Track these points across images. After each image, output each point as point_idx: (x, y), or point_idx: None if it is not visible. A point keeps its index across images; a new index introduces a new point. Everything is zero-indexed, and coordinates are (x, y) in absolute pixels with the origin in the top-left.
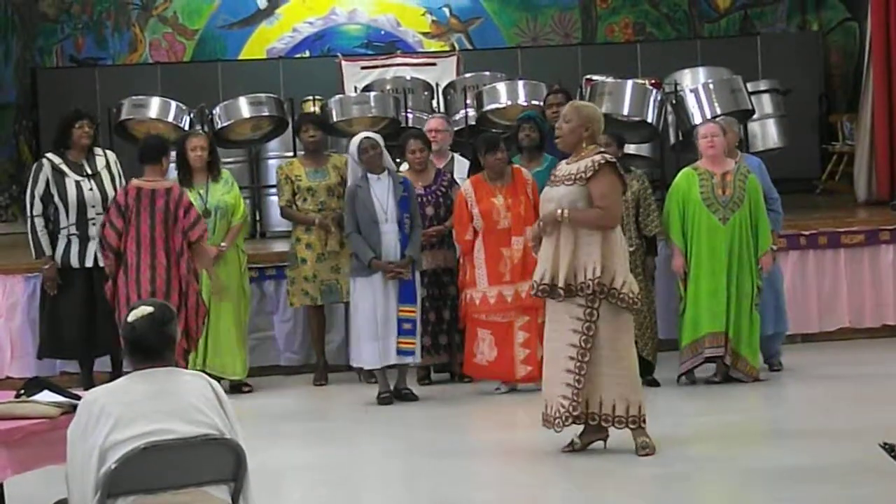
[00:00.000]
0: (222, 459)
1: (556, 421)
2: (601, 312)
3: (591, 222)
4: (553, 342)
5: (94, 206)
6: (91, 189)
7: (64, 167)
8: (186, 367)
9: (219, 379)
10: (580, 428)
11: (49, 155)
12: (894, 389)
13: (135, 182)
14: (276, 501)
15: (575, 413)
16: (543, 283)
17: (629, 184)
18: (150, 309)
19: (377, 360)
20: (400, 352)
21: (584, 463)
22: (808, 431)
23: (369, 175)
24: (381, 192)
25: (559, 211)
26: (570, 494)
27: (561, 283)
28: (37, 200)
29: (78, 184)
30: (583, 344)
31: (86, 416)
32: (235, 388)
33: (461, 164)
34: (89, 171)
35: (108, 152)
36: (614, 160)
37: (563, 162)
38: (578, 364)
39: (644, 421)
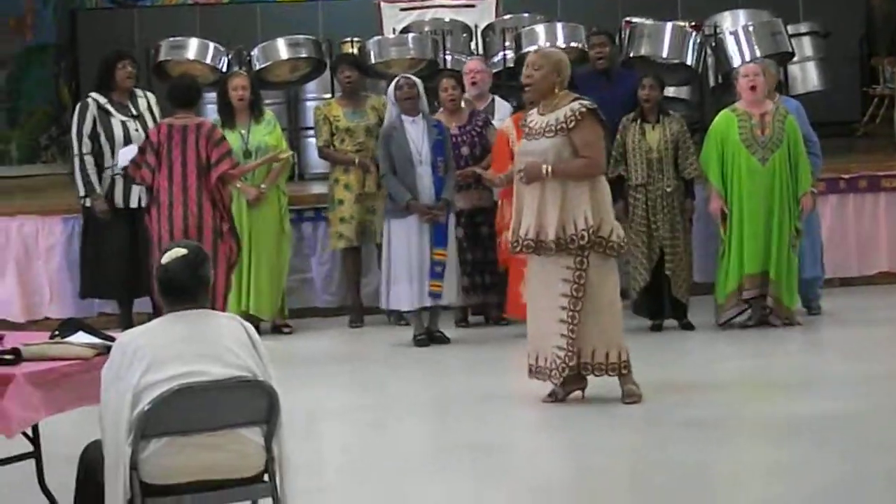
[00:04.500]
0: (255, 402)
1: (553, 373)
2: (590, 261)
3: (577, 173)
4: (541, 295)
5: None
6: (137, 130)
7: (109, 107)
8: (226, 308)
9: (258, 320)
10: None
11: (94, 94)
12: None
13: (166, 120)
14: (309, 443)
15: (571, 363)
16: (528, 239)
17: (669, 125)
18: (183, 251)
19: (413, 301)
20: (431, 294)
21: (605, 409)
22: (845, 377)
23: (404, 117)
24: (416, 135)
25: (544, 167)
26: (605, 440)
27: (552, 237)
28: (85, 139)
29: (124, 124)
30: (575, 293)
31: (119, 358)
32: (276, 329)
33: (501, 106)
34: (134, 112)
35: (149, 94)
36: (594, 106)
37: (534, 112)
38: (572, 314)
39: (629, 367)
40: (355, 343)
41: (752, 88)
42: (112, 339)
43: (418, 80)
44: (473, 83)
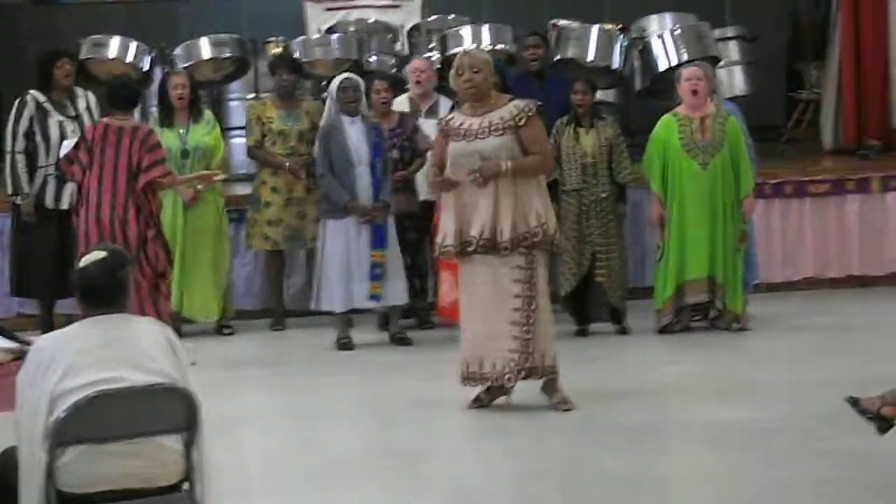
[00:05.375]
0: (175, 408)
1: (508, 376)
2: (538, 260)
3: (535, 169)
4: (488, 297)
5: None
6: (74, 131)
7: (48, 106)
8: (168, 310)
9: (196, 321)
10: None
11: (33, 92)
12: (858, 341)
13: (103, 119)
14: (233, 449)
15: (527, 365)
16: (484, 239)
17: (603, 130)
18: (102, 253)
19: (345, 303)
20: (370, 297)
21: (535, 416)
22: (776, 383)
23: (343, 117)
24: (355, 135)
25: (504, 165)
26: (535, 447)
27: (507, 236)
28: (20, 137)
29: (61, 124)
30: (529, 293)
31: (35, 363)
32: (218, 330)
33: (447, 105)
34: (72, 113)
35: (89, 94)
36: (537, 104)
37: (457, 114)
38: (526, 314)
39: (557, 372)
40: (279, 346)
41: (694, 92)
42: (29, 344)
43: (361, 81)
44: (418, 82)
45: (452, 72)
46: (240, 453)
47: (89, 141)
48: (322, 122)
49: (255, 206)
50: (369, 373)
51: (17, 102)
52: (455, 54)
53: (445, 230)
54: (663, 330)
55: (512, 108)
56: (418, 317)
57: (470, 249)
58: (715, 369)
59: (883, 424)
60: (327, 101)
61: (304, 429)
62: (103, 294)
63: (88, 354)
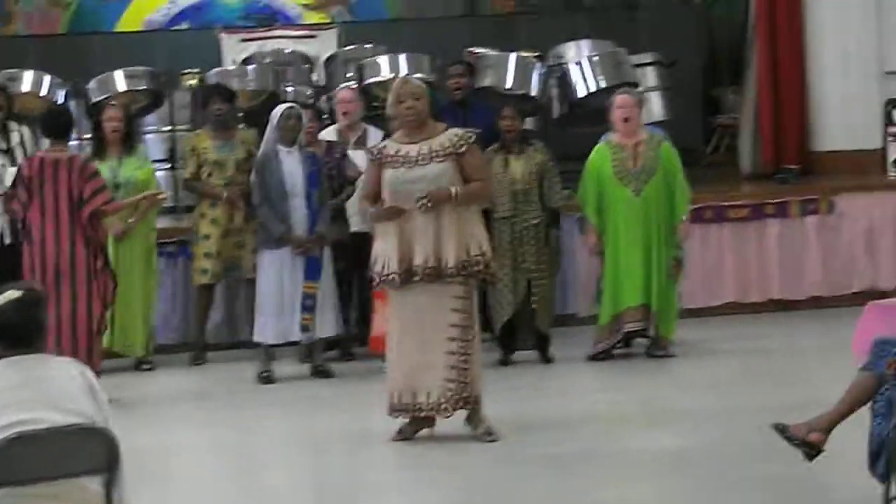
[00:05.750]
0: (95, 449)
1: (444, 406)
2: (473, 288)
3: (478, 196)
4: (424, 326)
5: (3, 184)
6: (4, 165)
7: None
8: (101, 346)
9: (125, 356)
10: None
11: None
12: (782, 366)
13: (39, 153)
14: (159, 486)
15: (464, 395)
16: (429, 267)
17: (532, 155)
18: (18, 293)
19: (279, 335)
20: (301, 328)
21: (460, 448)
22: (696, 411)
23: (279, 147)
24: (291, 165)
25: (453, 190)
26: (459, 479)
27: (452, 264)
28: None
29: None
30: (466, 322)
31: None
32: (137, 366)
33: (375, 136)
34: (3, 147)
35: (24, 128)
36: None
37: (395, 141)
38: (464, 344)
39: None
40: (201, 381)
41: (626, 120)
42: None
43: (302, 112)
44: (345, 113)
45: (392, 99)
46: (164, 491)
47: (26, 177)
48: (260, 152)
49: (194, 240)
50: (293, 406)
51: None
52: (373, 83)
53: (387, 258)
54: (595, 357)
55: (451, 135)
56: (341, 348)
57: (416, 279)
58: (641, 397)
59: (811, 451)
60: (267, 130)
61: (229, 465)
62: (19, 334)
63: (6, 396)
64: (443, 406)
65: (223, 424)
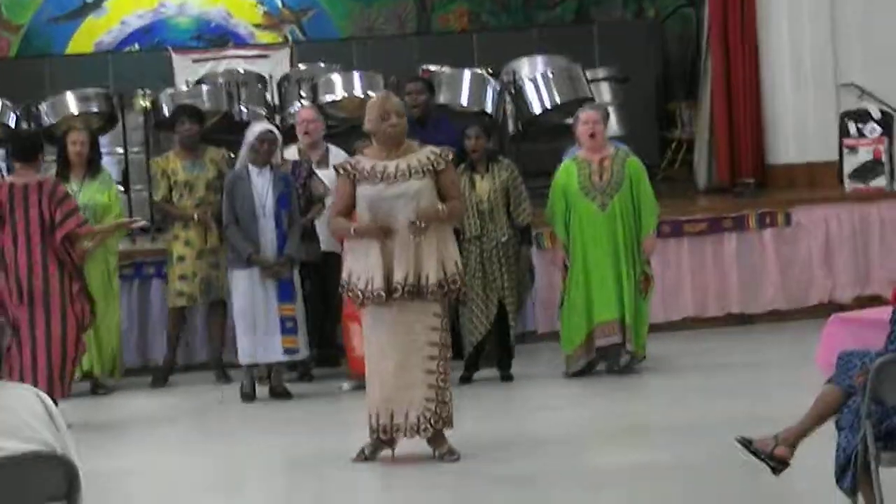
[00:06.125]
0: (54, 477)
1: (424, 427)
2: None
3: (459, 214)
4: (402, 347)
5: None
6: None
7: None
8: (75, 370)
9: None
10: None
11: None
12: (742, 380)
13: (7, 178)
14: None
15: (444, 415)
16: (410, 284)
17: (498, 173)
18: None
19: (254, 354)
20: (286, 351)
21: (422, 468)
22: (660, 426)
23: (251, 167)
24: (262, 186)
25: (440, 208)
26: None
27: (433, 281)
28: None
29: None
30: (444, 341)
31: None
32: (93, 390)
33: (337, 155)
34: None
35: None
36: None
37: (368, 157)
38: (442, 363)
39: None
40: (162, 403)
41: (592, 136)
42: None
43: (278, 134)
44: (306, 133)
45: (374, 114)
46: None
47: None
48: (230, 173)
49: (169, 263)
50: (255, 428)
51: None
52: (326, 102)
53: (369, 275)
54: (575, 375)
55: (429, 152)
56: (299, 370)
57: (396, 295)
58: (605, 412)
59: (777, 465)
60: (242, 150)
61: (191, 489)
62: None
63: None
64: (422, 427)
65: (184, 448)
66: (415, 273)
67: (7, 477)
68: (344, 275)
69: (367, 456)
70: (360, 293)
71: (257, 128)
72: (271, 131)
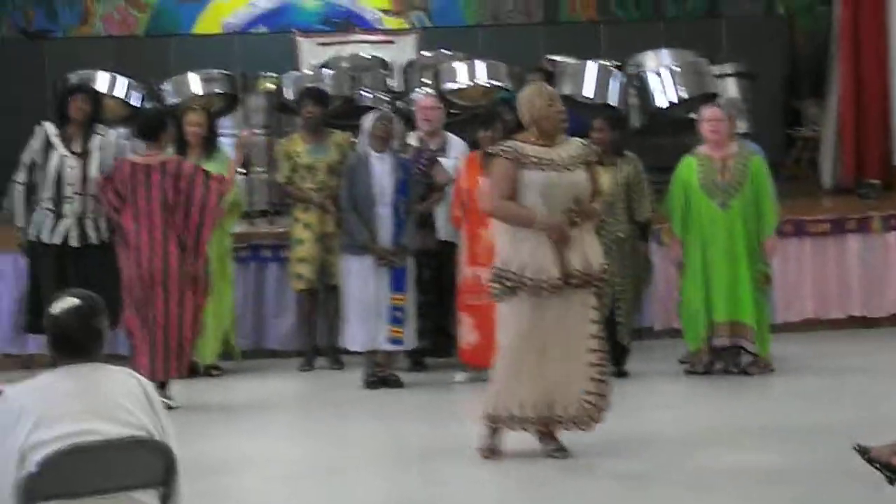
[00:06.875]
0: (151, 462)
1: (587, 421)
2: None
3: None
4: (562, 337)
5: (71, 185)
6: (73, 168)
7: (55, 139)
8: (192, 350)
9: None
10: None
11: (46, 123)
12: (862, 385)
13: (129, 158)
14: (219, 500)
15: (603, 408)
16: (586, 273)
17: (621, 168)
18: (76, 300)
19: (366, 342)
20: (392, 340)
21: (538, 463)
22: (775, 428)
23: (371, 152)
24: (381, 172)
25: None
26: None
27: (598, 270)
28: (22, 168)
29: (62, 158)
30: (601, 334)
31: (4, 415)
32: (206, 372)
33: (455, 143)
34: (78, 150)
35: (112, 132)
36: None
37: (523, 142)
38: (602, 355)
39: None
40: (302, 388)
41: (714, 132)
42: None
43: (395, 117)
44: (426, 120)
45: (541, 102)
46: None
47: (116, 181)
48: (350, 158)
49: (290, 246)
50: (365, 416)
51: (35, 130)
52: (448, 90)
53: (542, 263)
54: (695, 373)
55: (579, 144)
56: (412, 358)
57: (574, 282)
58: (717, 414)
59: (893, 475)
60: (360, 137)
61: (318, 477)
62: (76, 343)
63: (60, 406)
64: (585, 421)
65: (292, 434)
66: (584, 262)
67: (104, 461)
68: (499, 262)
69: (492, 449)
70: (526, 281)
71: (373, 112)
72: (386, 113)
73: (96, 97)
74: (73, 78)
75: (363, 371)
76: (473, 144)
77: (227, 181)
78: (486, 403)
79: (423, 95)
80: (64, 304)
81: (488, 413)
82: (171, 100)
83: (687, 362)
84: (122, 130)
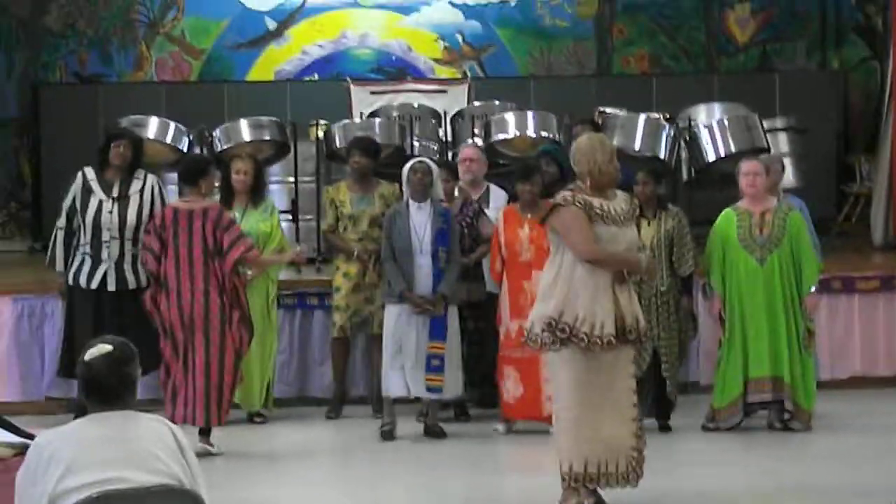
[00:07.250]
0: None
1: (632, 476)
2: None
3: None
4: (609, 391)
5: (109, 230)
6: (111, 212)
7: (94, 184)
8: (231, 398)
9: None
10: None
11: (87, 169)
12: None
13: (172, 203)
14: None
15: (643, 463)
16: (638, 329)
17: (664, 221)
18: (108, 347)
19: (402, 389)
20: (429, 389)
21: None
22: (819, 487)
23: (411, 202)
24: (420, 222)
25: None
26: None
27: (644, 326)
28: (63, 213)
29: (100, 203)
30: (637, 389)
31: (35, 461)
32: (249, 419)
33: (497, 195)
34: (116, 194)
35: (150, 176)
36: None
37: (587, 195)
38: (639, 411)
39: None
40: (344, 436)
41: (751, 187)
42: (31, 437)
43: (433, 165)
44: (468, 170)
45: (604, 157)
46: None
47: (158, 227)
48: (391, 207)
49: (332, 293)
50: (406, 466)
51: (77, 176)
52: (497, 141)
53: (601, 318)
54: (731, 428)
55: (626, 198)
56: (456, 408)
57: (631, 338)
58: (760, 471)
59: None
60: (402, 185)
61: None
62: (108, 390)
63: (91, 453)
64: (631, 476)
65: (332, 482)
66: (633, 318)
67: None
68: (553, 312)
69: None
70: (584, 336)
71: (412, 161)
72: (424, 161)
73: (138, 143)
74: (125, 122)
75: (382, 420)
76: (512, 197)
77: (255, 254)
78: (562, 463)
79: (466, 145)
80: (96, 350)
81: (565, 472)
82: (221, 145)
83: (709, 420)
84: (170, 175)
